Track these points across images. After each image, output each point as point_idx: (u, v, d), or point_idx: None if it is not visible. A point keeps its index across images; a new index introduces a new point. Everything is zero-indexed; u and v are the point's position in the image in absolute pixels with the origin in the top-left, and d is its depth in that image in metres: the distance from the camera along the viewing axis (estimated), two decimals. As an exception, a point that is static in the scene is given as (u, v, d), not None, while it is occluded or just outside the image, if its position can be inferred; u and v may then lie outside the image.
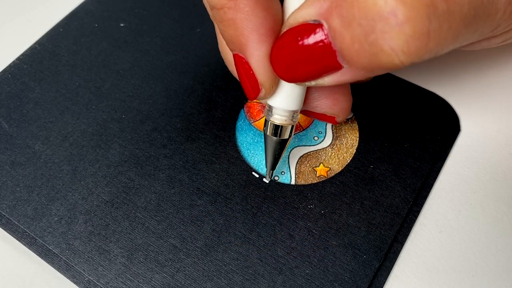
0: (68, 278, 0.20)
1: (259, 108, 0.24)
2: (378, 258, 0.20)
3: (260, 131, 0.23)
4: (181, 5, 0.28)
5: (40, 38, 0.27)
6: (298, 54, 0.16)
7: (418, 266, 0.20)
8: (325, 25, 0.14)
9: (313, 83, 0.16)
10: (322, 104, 0.20)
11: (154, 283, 0.19)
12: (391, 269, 0.20)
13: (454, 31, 0.14)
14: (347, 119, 0.23)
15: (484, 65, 0.25)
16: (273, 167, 0.21)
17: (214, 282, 0.19)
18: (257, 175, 0.22)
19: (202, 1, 0.20)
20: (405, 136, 0.23)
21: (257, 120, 0.24)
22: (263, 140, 0.23)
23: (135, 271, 0.20)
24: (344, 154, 0.22)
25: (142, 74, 0.25)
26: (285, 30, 0.16)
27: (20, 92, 0.25)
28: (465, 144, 0.23)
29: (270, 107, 0.19)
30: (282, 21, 0.17)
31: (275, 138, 0.20)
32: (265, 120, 0.20)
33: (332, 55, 0.15)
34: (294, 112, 0.19)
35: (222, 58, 0.21)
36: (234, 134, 0.23)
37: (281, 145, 0.20)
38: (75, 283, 0.20)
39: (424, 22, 0.13)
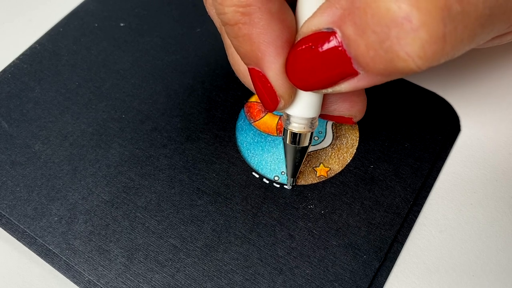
0: (68, 278, 0.20)
1: (259, 108, 0.24)
2: (378, 258, 0.20)
3: (260, 131, 0.23)
4: (181, 5, 0.28)
5: (40, 38, 0.27)
6: (313, 62, 0.15)
7: (418, 266, 0.20)
8: (339, 33, 0.14)
9: (330, 90, 0.16)
10: (340, 107, 0.20)
11: (154, 283, 0.19)
12: (391, 269, 0.20)
13: (470, 32, 0.13)
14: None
15: (485, 65, 0.25)
16: (293, 175, 0.21)
17: (214, 282, 0.19)
18: (257, 175, 0.22)
19: (202, 1, 0.20)
20: (405, 136, 0.23)
21: (257, 120, 0.24)
22: (263, 140, 0.23)
23: (135, 271, 0.20)
24: (344, 154, 0.22)
25: (142, 74, 0.25)
26: (299, 39, 0.16)
27: (20, 92, 0.25)
28: (465, 144, 0.23)
29: (288, 116, 0.19)
30: (296, 31, 0.17)
31: (294, 146, 0.20)
32: (284, 128, 0.20)
33: (348, 62, 0.15)
34: (313, 119, 0.19)
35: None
36: (234, 134, 0.23)
37: (301, 152, 0.20)
38: (75, 283, 0.20)
39: (439, 26, 0.13)
